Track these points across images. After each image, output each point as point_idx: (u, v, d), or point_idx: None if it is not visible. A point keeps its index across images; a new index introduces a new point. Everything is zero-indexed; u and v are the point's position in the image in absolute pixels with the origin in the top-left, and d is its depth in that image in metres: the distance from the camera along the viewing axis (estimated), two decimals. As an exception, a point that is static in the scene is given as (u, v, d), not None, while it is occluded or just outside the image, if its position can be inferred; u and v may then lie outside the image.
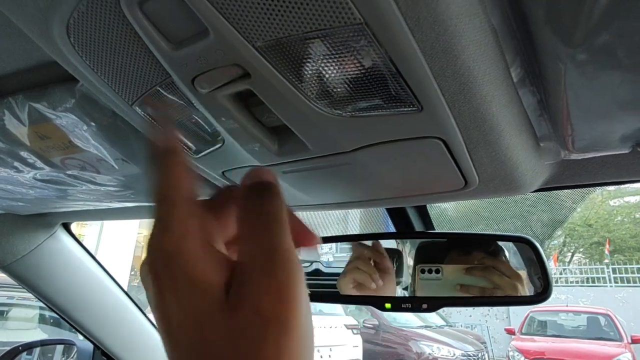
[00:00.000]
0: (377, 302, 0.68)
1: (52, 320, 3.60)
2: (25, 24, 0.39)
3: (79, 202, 0.90)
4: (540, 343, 8.01)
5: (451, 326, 8.92)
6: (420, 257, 0.81)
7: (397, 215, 0.75)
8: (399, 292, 0.78)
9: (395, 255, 0.82)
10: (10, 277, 1.13)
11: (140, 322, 1.28)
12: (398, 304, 0.68)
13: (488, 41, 0.33)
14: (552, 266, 13.59)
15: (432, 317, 8.54)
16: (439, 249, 0.79)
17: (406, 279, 0.78)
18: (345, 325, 6.97)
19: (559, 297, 10.08)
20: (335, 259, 0.90)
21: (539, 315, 9.05)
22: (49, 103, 0.54)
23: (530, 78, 0.38)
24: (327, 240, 0.77)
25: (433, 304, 0.65)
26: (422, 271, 0.71)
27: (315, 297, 0.87)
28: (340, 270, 0.78)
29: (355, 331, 7.16)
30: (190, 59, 0.35)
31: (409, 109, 0.37)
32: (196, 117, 0.47)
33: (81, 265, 1.19)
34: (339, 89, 0.36)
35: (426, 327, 8.10)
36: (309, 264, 0.88)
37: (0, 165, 0.67)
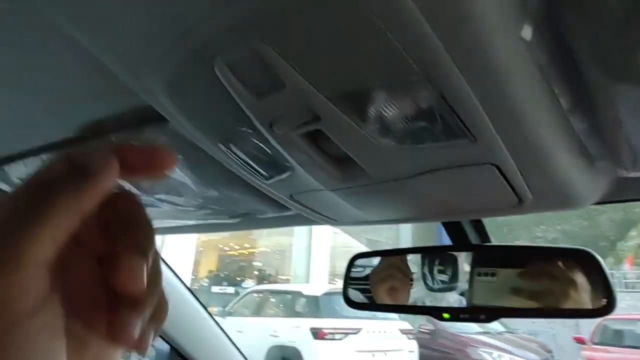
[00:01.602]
0: (435, 312, 0.71)
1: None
2: (133, 83, 0.48)
3: (156, 220, 1.02)
4: (615, 354, 7.36)
5: (512, 333, 8.44)
6: (477, 262, 0.83)
7: (453, 228, 0.78)
8: (455, 297, 0.80)
9: (451, 261, 0.84)
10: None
11: (209, 324, 1.39)
12: (456, 314, 0.70)
13: (537, 81, 0.36)
14: (627, 270, 12.42)
15: (492, 323, 8.17)
16: (495, 255, 0.80)
17: (462, 285, 0.80)
18: (400, 330, 6.87)
19: (636, 304, 9.21)
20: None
21: (613, 323, 8.30)
22: (143, 141, 0.63)
23: (581, 107, 0.40)
24: (387, 253, 0.81)
25: (491, 314, 0.66)
26: (479, 274, 0.73)
27: (372, 307, 0.90)
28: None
29: (410, 336, 7.03)
30: (270, 107, 0.41)
31: (464, 140, 0.41)
32: (269, 150, 0.53)
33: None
34: (398, 126, 0.41)
35: (485, 332, 7.75)
36: (362, 269, 0.91)
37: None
